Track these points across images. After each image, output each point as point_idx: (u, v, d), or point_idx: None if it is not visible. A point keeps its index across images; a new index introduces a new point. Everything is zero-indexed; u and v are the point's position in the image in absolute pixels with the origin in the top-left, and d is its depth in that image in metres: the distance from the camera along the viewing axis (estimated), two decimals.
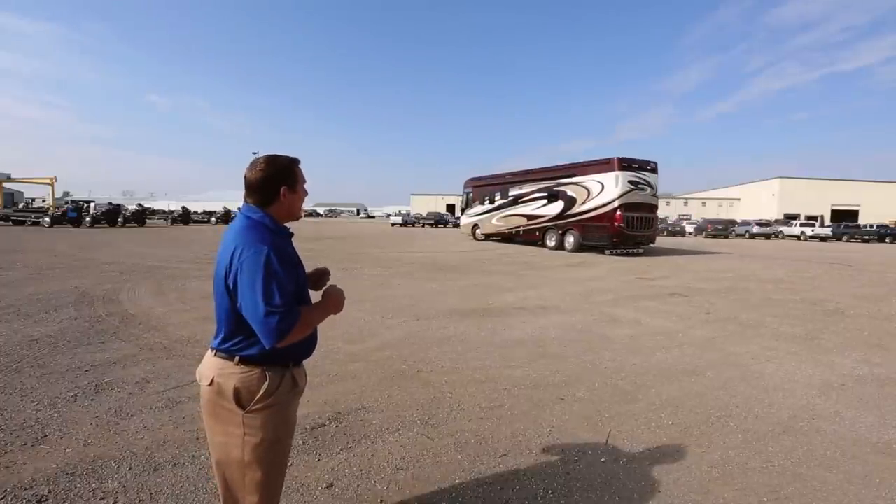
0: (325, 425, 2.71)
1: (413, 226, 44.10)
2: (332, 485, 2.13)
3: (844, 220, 45.58)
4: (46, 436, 2.48)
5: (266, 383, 1.32)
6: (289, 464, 1.55)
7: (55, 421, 2.65)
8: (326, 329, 4.78)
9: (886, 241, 31.64)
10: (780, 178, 58.58)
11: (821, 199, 56.80)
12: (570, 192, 16.08)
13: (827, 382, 3.61)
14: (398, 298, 6.70)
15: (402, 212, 57.67)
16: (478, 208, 21.61)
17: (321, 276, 1.63)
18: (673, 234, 37.02)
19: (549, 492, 2.11)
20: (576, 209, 15.80)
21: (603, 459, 2.41)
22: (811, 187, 57.65)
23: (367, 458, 2.37)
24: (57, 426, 2.59)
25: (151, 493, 2.01)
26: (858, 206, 56.13)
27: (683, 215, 60.03)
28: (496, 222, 20.20)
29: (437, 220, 44.29)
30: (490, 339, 4.61)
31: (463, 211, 23.30)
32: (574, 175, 16.10)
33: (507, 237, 20.07)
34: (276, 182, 1.36)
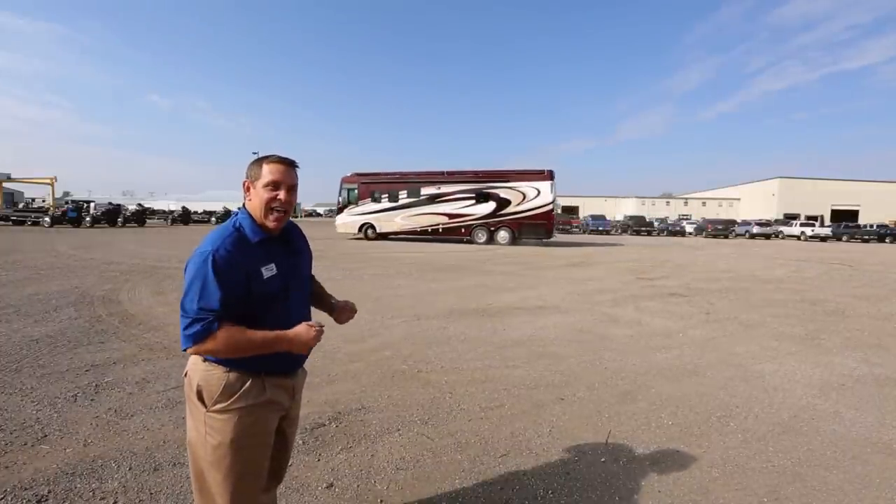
0: (325, 425, 2.71)
1: None
2: (332, 485, 2.14)
3: (844, 220, 45.60)
4: (46, 436, 2.48)
5: (223, 383, 1.29)
6: (263, 475, 1.41)
7: (55, 421, 2.65)
8: (326, 329, 4.76)
9: (886, 241, 31.66)
10: (780, 178, 58.60)
11: (821, 199, 56.81)
12: (503, 195, 18.75)
13: (827, 382, 3.61)
14: (398, 298, 6.70)
15: None
16: (370, 206, 20.22)
17: (337, 308, 1.61)
18: (673, 234, 37.03)
19: (549, 492, 2.12)
20: (510, 209, 18.70)
21: (603, 459, 2.41)
22: (811, 187, 57.67)
23: (367, 458, 2.37)
24: (57, 426, 2.59)
25: (151, 493, 2.01)
26: (858, 206, 56.15)
27: (683, 215, 60.05)
28: (402, 221, 19.68)
29: None
30: (490, 339, 4.61)
31: (342, 209, 20.56)
32: (509, 180, 18.81)
33: (410, 235, 19.98)
34: (245, 177, 1.36)
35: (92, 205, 28.91)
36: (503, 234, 18.82)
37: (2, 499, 1.95)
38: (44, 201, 42.26)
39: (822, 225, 38.87)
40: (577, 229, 37.16)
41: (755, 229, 34.62)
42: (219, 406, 1.29)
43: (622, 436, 2.67)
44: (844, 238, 32.89)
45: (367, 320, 5.27)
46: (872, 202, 55.54)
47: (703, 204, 69.91)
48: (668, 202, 72.20)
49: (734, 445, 2.57)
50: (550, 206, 18.44)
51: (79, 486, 2.05)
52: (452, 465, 2.33)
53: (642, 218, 41.19)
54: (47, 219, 26.09)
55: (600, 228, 35.77)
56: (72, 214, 26.65)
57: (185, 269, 1.26)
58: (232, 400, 1.30)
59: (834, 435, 2.72)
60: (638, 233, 36.26)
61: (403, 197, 19.74)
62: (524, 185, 18.58)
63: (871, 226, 34.69)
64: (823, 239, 32.38)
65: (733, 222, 38.17)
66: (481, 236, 19.00)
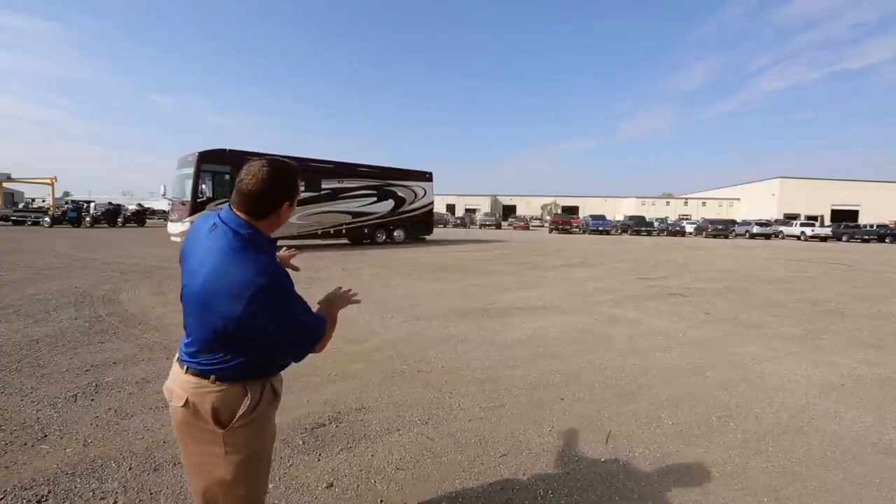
0: (325, 425, 2.71)
1: None
2: (332, 485, 2.14)
3: (844, 220, 45.60)
4: (46, 436, 2.48)
5: (247, 400, 1.23)
6: (274, 469, 1.48)
7: (55, 421, 2.65)
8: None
9: (886, 241, 31.65)
10: (780, 178, 58.64)
11: (821, 199, 56.84)
12: (400, 193, 18.90)
13: (827, 382, 3.61)
14: (398, 298, 6.70)
15: None
16: None
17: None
18: (673, 234, 37.03)
19: (549, 492, 2.12)
20: (405, 207, 19.12)
21: (603, 459, 2.41)
22: (811, 187, 57.69)
23: (367, 458, 2.37)
24: (57, 426, 2.59)
25: (151, 493, 2.01)
26: (858, 206, 56.18)
27: (683, 215, 60.09)
28: (299, 221, 15.22)
29: (437, 220, 44.46)
30: (490, 339, 4.61)
31: (200, 203, 12.91)
32: (404, 179, 19.02)
33: (305, 240, 16.00)
34: (280, 195, 1.23)
35: (92, 205, 28.95)
36: (398, 233, 19.02)
37: (2, 499, 1.95)
38: (44, 201, 42.28)
39: (822, 225, 38.90)
40: (578, 229, 37.15)
41: (755, 229, 34.61)
42: (241, 421, 1.23)
43: (622, 436, 2.67)
44: (844, 238, 32.88)
45: (366, 320, 5.27)
46: (872, 202, 55.56)
47: (703, 204, 69.97)
48: (668, 202, 72.25)
49: (734, 445, 2.57)
50: (432, 206, 20.53)
51: (79, 485, 2.05)
52: (452, 465, 2.33)
53: (642, 218, 41.17)
54: (47, 219, 26.09)
55: (600, 228, 35.77)
56: (72, 214, 26.69)
57: (258, 300, 1.12)
58: (255, 412, 1.25)
59: (834, 435, 2.72)
60: (638, 233, 36.25)
61: (301, 189, 17.37)
62: (414, 185, 19.37)
63: (871, 226, 34.67)
64: (823, 239, 32.38)
65: (733, 222, 38.17)
66: (381, 235, 18.34)
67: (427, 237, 20.90)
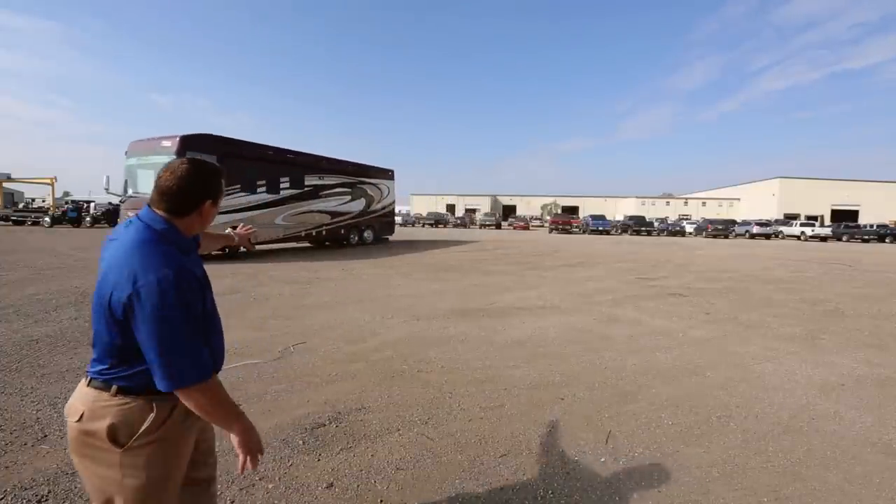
0: (325, 425, 2.71)
1: (413, 225, 44.25)
2: (332, 485, 2.14)
3: (844, 220, 45.62)
4: (46, 436, 2.48)
5: (152, 415, 1.11)
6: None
7: (55, 421, 2.65)
8: (326, 329, 4.79)
9: (886, 241, 31.65)
10: (780, 178, 58.63)
11: (821, 199, 56.84)
12: (369, 191, 17.95)
13: (827, 382, 3.61)
14: (398, 298, 6.70)
15: (403, 211, 57.68)
16: (241, 199, 11.64)
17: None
18: (673, 234, 37.03)
19: (549, 492, 2.12)
20: (374, 207, 18.19)
21: (603, 459, 2.41)
22: (811, 187, 57.69)
23: (367, 458, 2.37)
24: (57, 426, 2.59)
25: None
26: (858, 206, 56.18)
27: (683, 215, 60.12)
28: (284, 222, 13.16)
29: (437, 220, 44.54)
30: (490, 339, 4.61)
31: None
32: (372, 176, 18.07)
33: (282, 244, 14.25)
34: (199, 193, 1.18)
35: (92, 205, 28.94)
36: (368, 233, 17.79)
37: (2, 499, 1.95)
38: (44, 201, 42.26)
39: (822, 225, 38.89)
40: (578, 229, 37.16)
41: (755, 229, 34.60)
42: (141, 441, 1.11)
43: (622, 436, 2.67)
44: (844, 238, 32.87)
45: (366, 320, 5.27)
46: (872, 202, 55.56)
47: (704, 204, 69.99)
48: (668, 202, 72.27)
49: (734, 445, 2.57)
50: (394, 206, 19.94)
51: (79, 485, 2.05)
52: (452, 465, 2.33)
53: (642, 218, 41.17)
54: (47, 219, 26.08)
55: (600, 228, 35.78)
56: (72, 214, 26.70)
57: (139, 299, 1.04)
58: (160, 431, 1.13)
59: (834, 435, 2.72)
60: (638, 233, 36.25)
61: (285, 186, 13.19)
62: (381, 183, 18.51)
63: (871, 226, 34.67)
64: (823, 239, 32.38)
65: (733, 222, 38.17)
66: (354, 237, 16.86)
67: (391, 237, 20.17)
